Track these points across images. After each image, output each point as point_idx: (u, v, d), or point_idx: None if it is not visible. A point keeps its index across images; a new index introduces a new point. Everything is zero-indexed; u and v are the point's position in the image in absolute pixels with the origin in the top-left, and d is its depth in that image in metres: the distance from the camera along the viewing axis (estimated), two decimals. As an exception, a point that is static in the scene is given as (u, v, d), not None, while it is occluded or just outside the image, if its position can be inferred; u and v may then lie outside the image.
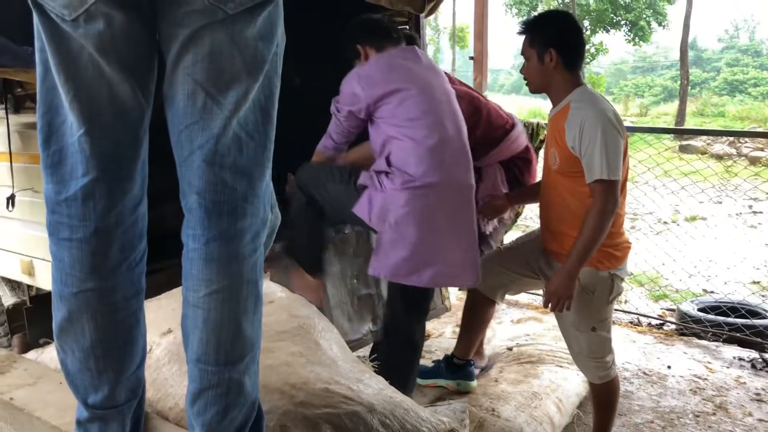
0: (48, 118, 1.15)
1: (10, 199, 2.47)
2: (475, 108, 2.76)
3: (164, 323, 1.55)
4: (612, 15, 26.50)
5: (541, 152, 3.06)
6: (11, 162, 2.46)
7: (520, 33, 2.46)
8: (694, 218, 8.87)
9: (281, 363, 1.45)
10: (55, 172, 1.15)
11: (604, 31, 27.58)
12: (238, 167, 1.14)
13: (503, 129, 2.82)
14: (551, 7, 26.27)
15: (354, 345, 3.04)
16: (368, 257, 3.13)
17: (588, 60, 28.20)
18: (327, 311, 2.88)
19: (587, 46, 27.80)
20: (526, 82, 2.50)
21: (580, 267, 2.25)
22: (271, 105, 1.18)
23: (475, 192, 2.45)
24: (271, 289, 1.84)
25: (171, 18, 1.09)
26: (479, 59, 4.57)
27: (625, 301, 4.95)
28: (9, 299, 2.97)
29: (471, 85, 4.59)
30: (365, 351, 3.38)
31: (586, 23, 27.06)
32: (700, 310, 4.34)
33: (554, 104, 2.45)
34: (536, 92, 2.51)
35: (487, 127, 2.76)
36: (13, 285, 2.92)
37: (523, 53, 2.45)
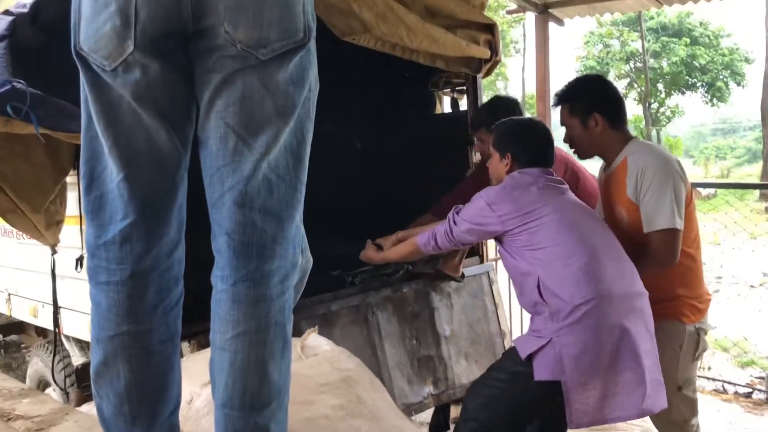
0: (90, 166, 1.19)
1: (79, 261, 2.57)
2: (573, 173, 2.75)
3: (206, 374, 1.54)
4: (687, 77, 26.05)
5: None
6: (81, 224, 2.57)
7: (555, 105, 2.44)
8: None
9: (320, 416, 1.42)
10: (95, 217, 1.19)
11: (680, 93, 27.10)
12: (268, 209, 1.15)
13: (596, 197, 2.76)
14: (621, 72, 26.13)
15: (414, 408, 2.96)
16: (428, 316, 3.11)
17: (664, 123, 27.72)
18: (386, 372, 2.83)
19: (662, 109, 27.43)
20: (573, 150, 2.46)
21: None
22: (303, 149, 1.19)
23: None
24: (316, 341, 1.82)
25: (204, 64, 1.13)
26: (541, 119, 4.54)
27: (708, 368, 4.65)
28: (78, 359, 3.06)
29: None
30: (426, 415, 3.29)
31: (660, 86, 26.71)
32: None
33: (608, 163, 2.39)
34: (587, 157, 2.46)
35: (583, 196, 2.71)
36: (83, 345, 3.01)
37: (563, 123, 2.42)
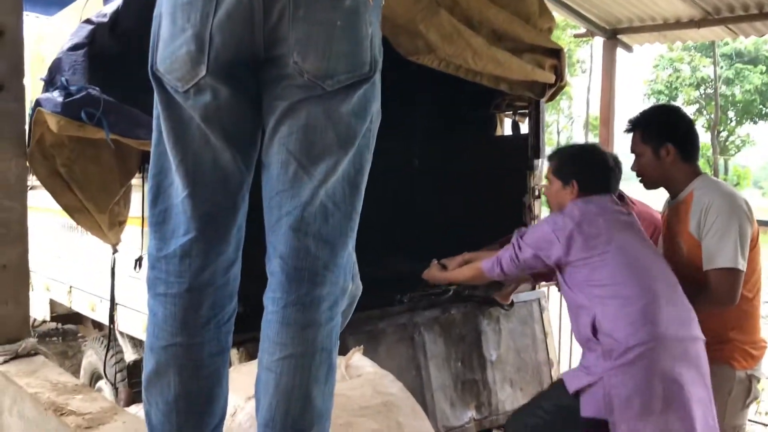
0: (158, 180, 1.24)
1: (138, 261, 2.65)
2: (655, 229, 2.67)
3: (252, 387, 1.57)
4: (761, 106, 25.17)
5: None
6: (143, 226, 2.65)
7: (628, 131, 2.41)
8: None
9: (359, 439, 1.42)
10: (158, 230, 1.23)
11: (752, 123, 26.21)
12: (322, 236, 1.17)
13: None
14: (690, 98, 25.43)
15: (455, 432, 2.94)
16: (475, 339, 3.08)
17: (733, 152, 26.84)
18: (429, 393, 2.81)
19: (732, 138, 26.56)
20: (639, 178, 2.41)
21: None
22: (360, 178, 1.21)
23: None
24: (361, 362, 1.83)
25: (272, 92, 1.16)
26: (605, 146, 4.46)
27: (766, 413, 4.46)
28: (131, 356, 3.15)
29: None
30: (467, 440, 3.25)
31: (731, 114, 25.89)
32: None
33: (673, 196, 2.34)
34: (653, 188, 2.41)
35: None
36: (135, 342, 3.10)
37: (633, 150, 2.39)
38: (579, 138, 31.71)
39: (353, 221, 1.21)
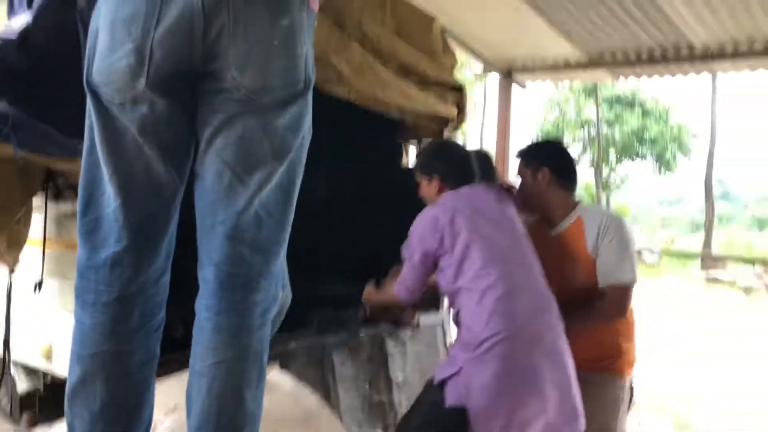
0: (89, 189, 1.25)
1: (38, 284, 2.55)
2: None
3: (170, 401, 1.57)
4: (638, 147, 27.06)
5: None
6: (44, 248, 2.57)
7: (516, 156, 2.63)
8: (718, 352, 8.62)
9: (282, 449, 1.46)
10: (88, 239, 1.24)
11: (631, 161, 28.08)
12: (256, 243, 1.21)
13: None
14: (576, 137, 26.99)
15: (363, 453, 2.98)
16: (382, 362, 3.16)
17: (614, 189, 28.60)
18: (337, 415, 2.85)
19: (613, 176, 28.34)
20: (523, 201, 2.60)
21: None
22: (293, 189, 1.27)
23: None
24: (278, 377, 1.86)
25: (209, 105, 1.21)
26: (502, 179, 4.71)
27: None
28: (24, 386, 2.99)
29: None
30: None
31: (612, 154, 27.65)
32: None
33: (550, 220, 2.52)
34: (530, 209, 2.58)
35: None
36: (29, 371, 2.95)
37: (518, 173, 2.61)
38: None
39: (285, 231, 1.27)
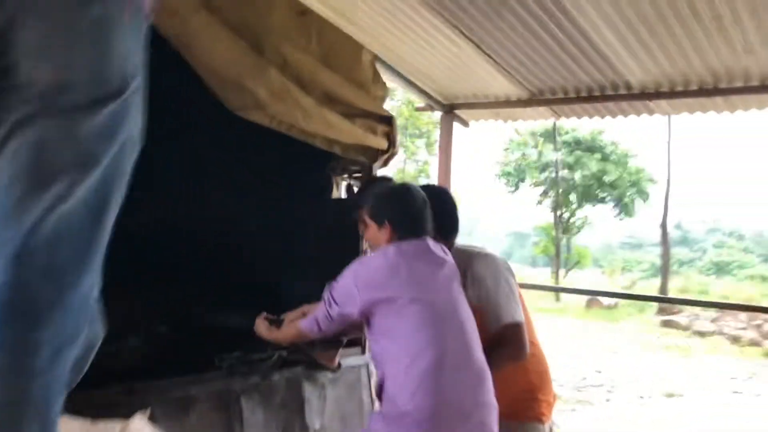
0: None
1: None
2: None
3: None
4: (597, 191, 27.46)
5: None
6: None
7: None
8: (671, 395, 8.57)
9: None
10: None
11: (591, 205, 28.45)
12: (49, 270, 1.01)
13: None
14: (537, 180, 27.28)
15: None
16: (298, 407, 2.95)
17: (575, 232, 28.88)
18: (244, 466, 2.64)
19: (573, 219, 28.65)
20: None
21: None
22: (105, 211, 1.08)
23: None
24: (140, 427, 1.66)
25: (4, 102, 1.02)
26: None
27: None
28: None
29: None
30: None
31: (572, 197, 28.00)
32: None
33: None
34: None
35: None
36: None
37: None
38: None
39: (92, 257, 1.07)
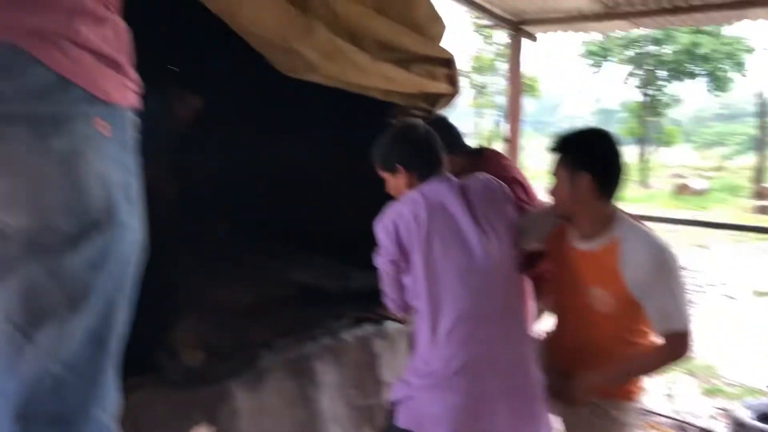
0: None
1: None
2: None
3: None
4: (689, 65, 25.72)
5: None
6: None
7: (552, 150, 2.20)
8: (763, 293, 8.23)
9: None
10: None
11: (681, 81, 26.79)
12: (57, 417, 0.98)
13: None
14: (622, 58, 25.76)
15: (352, 459, 2.87)
16: (370, 364, 3.00)
17: (663, 110, 27.43)
18: (321, 426, 2.73)
19: (663, 97, 27.11)
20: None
21: (607, 383, 2.11)
22: (110, 332, 1.03)
23: None
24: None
25: None
26: (513, 141, 4.41)
27: (670, 395, 4.57)
28: None
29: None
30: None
31: (663, 73, 26.39)
32: (759, 417, 3.69)
33: (582, 234, 2.19)
34: (562, 217, 2.24)
35: None
36: None
37: (552, 172, 2.20)
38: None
39: (102, 387, 1.02)
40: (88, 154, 0.98)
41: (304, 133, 3.88)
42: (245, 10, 2.36)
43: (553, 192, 2.20)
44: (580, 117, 53.21)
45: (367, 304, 2.97)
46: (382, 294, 2.25)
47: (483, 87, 24.43)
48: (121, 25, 1.07)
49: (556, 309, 2.39)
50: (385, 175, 2.25)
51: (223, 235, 3.58)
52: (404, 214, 2.04)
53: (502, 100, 28.24)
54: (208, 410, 2.36)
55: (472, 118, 27.65)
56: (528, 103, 25.07)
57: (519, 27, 4.27)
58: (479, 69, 24.26)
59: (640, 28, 4.19)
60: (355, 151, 3.69)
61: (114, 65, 1.03)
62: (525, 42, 4.41)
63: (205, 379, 2.36)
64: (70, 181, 0.96)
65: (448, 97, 3.20)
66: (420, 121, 2.27)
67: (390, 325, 3.07)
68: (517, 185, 2.69)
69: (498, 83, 23.87)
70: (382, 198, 3.34)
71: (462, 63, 25.28)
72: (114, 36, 1.04)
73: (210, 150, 4.09)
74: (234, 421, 2.41)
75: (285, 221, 3.75)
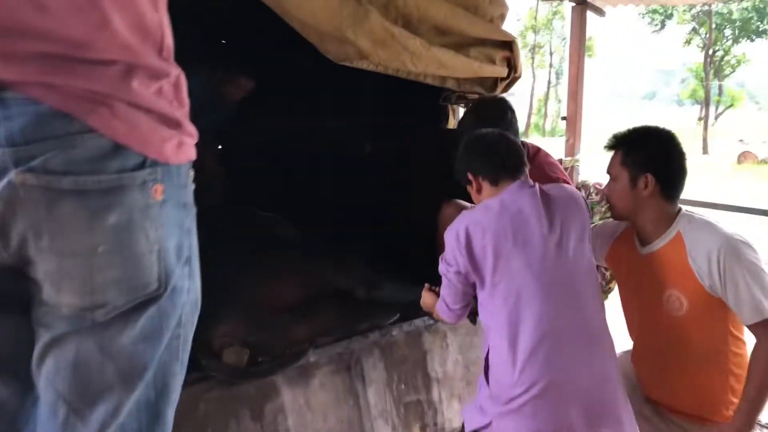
0: None
1: None
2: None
3: None
4: (758, 23, 24.42)
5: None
6: None
7: (610, 148, 2.08)
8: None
9: None
10: None
11: (749, 41, 25.49)
12: None
13: None
14: (684, 18, 24.60)
15: (399, 455, 2.83)
16: (420, 359, 2.93)
17: (728, 72, 26.25)
18: (368, 422, 2.69)
19: (728, 57, 25.89)
20: (607, 204, 2.16)
21: (752, 423, 1.88)
22: (164, 399, 0.99)
23: None
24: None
25: (35, 313, 0.93)
26: (572, 120, 4.20)
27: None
28: None
29: (563, 145, 4.26)
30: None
31: (728, 32, 25.16)
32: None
33: (643, 236, 2.06)
34: (620, 218, 2.13)
35: None
36: None
37: (609, 171, 2.09)
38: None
39: None
40: (143, 224, 0.93)
41: (355, 116, 3.78)
42: (293, -1, 2.25)
43: (612, 193, 2.07)
44: (639, 77, 51.32)
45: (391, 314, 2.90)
46: (440, 305, 2.13)
47: (539, 47, 23.74)
48: (178, 74, 1.00)
49: (632, 326, 2.24)
50: (466, 186, 2.10)
51: (265, 225, 3.53)
52: (480, 223, 1.89)
53: (557, 60, 27.43)
54: (253, 406, 2.34)
55: (527, 80, 27.00)
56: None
57: (583, 1, 4.03)
58: (534, 28, 23.54)
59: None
60: (405, 131, 3.60)
61: (171, 123, 0.96)
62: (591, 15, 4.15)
63: (249, 376, 2.33)
64: (123, 256, 0.91)
65: (508, 80, 3.04)
66: (492, 129, 2.11)
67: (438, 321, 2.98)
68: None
69: (554, 43, 23.16)
70: (437, 195, 3.26)
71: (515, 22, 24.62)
72: (171, 88, 0.97)
73: (256, 134, 4.03)
74: (280, 417, 2.38)
75: (331, 212, 3.67)
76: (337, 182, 3.78)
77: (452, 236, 1.95)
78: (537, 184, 2.00)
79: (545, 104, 27.58)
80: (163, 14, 0.94)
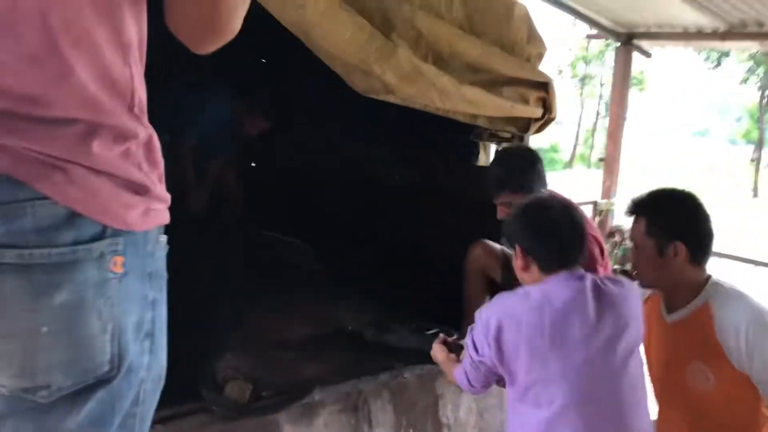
0: None
1: None
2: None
3: None
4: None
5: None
6: None
7: (631, 213, 1.97)
8: None
9: None
10: None
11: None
12: None
13: None
14: (743, 54, 24.00)
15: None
16: (431, 404, 2.83)
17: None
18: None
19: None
20: (634, 271, 2.02)
21: None
22: None
23: None
24: None
25: None
26: (611, 161, 4.07)
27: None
28: None
29: (600, 189, 4.14)
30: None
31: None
32: None
33: (670, 302, 1.96)
34: (648, 287, 2.01)
35: None
36: None
37: (632, 238, 1.97)
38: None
39: None
40: (96, 302, 0.84)
41: (386, 145, 3.73)
42: (322, 28, 2.21)
43: (639, 262, 1.96)
44: (692, 114, 50.39)
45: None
46: (459, 373, 2.00)
47: (590, 77, 23.47)
48: (150, 133, 0.91)
49: (656, 392, 2.11)
50: (515, 255, 1.88)
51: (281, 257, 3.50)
52: (515, 316, 1.71)
53: (607, 92, 27.08)
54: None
55: (575, 110, 26.72)
56: (633, 97, 23.85)
57: (629, 39, 3.91)
58: (585, 59, 23.31)
59: (769, 48, 3.75)
60: (434, 165, 3.53)
61: (138, 188, 0.87)
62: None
63: (250, 413, 2.27)
64: (71, 338, 0.83)
65: (542, 121, 2.94)
66: (556, 199, 1.96)
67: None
68: (594, 243, 2.37)
69: (605, 74, 22.87)
70: (464, 234, 3.15)
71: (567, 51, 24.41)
72: (141, 149, 0.89)
73: (285, 158, 4.03)
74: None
75: (353, 240, 3.60)
76: (362, 210, 3.72)
77: (482, 323, 1.77)
78: (589, 276, 1.79)
79: (592, 135, 27.16)
80: (135, 68, 0.86)
